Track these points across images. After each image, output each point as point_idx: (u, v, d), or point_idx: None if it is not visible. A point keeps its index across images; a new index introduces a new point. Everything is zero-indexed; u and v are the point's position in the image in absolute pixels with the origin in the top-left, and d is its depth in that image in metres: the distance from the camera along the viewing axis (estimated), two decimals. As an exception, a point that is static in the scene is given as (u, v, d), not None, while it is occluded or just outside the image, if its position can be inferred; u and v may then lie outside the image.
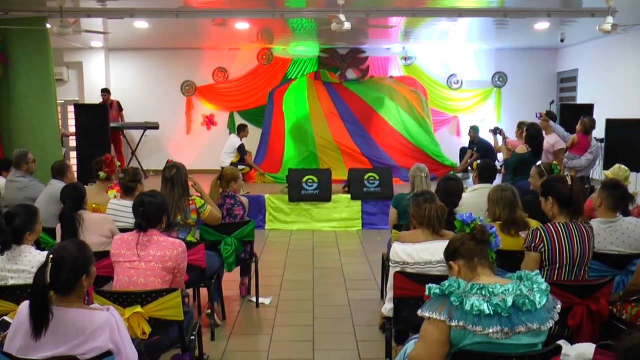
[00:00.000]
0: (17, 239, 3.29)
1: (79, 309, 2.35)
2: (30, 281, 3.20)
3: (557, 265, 3.38)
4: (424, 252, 3.46)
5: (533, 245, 3.41)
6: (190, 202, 4.59)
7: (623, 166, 4.98)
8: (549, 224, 3.46)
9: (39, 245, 4.49)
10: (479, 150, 10.57)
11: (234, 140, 10.41)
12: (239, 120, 12.01)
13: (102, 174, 5.25)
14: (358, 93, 11.43)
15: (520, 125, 7.99)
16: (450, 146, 11.74)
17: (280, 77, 12.25)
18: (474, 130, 10.82)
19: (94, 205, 4.92)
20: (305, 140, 11.03)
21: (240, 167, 10.25)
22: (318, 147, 10.94)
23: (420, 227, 3.58)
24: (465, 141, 11.63)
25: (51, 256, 2.32)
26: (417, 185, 5.02)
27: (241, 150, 10.33)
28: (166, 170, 4.64)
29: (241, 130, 10.56)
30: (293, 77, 12.14)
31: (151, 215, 3.49)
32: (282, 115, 11.33)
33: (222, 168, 10.09)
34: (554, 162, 5.22)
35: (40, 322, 2.25)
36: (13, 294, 3.15)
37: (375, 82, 11.79)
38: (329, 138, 11.02)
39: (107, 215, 4.48)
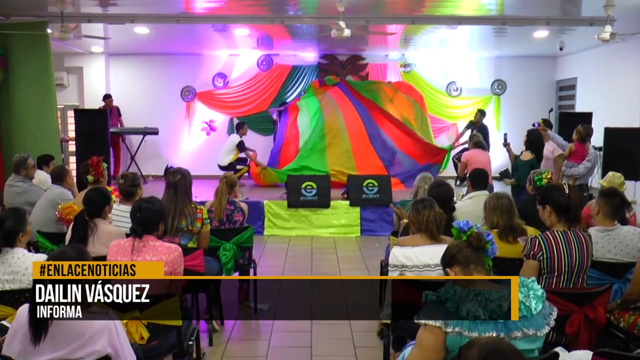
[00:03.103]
0: (10, 241, 3.32)
1: (78, 313, 2.35)
2: (25, 284, 3.22)
3: (556, 273, 3.39)
4: (422, 255, 3.48)
5: (532, 253, 3.43)
6: (198, 211, 4.55)
7: (617, 173, 5.02)
8: (547, 232, 3.47)
9: (38, 250, 4.50)
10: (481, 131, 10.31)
11: (234, 138, 10.35)
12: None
13: (89, 177, 5.22)
14: (360, 90, 11.27)
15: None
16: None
17: (280, 83, 12.27)
18: (481, 114, 10.62)
19: None
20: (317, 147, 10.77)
21: (238, 166, 10.22)
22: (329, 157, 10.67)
23: (419, 233, 3.60)
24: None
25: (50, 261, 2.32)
26: (419, 196, 5.05)
27: (240, 146, 10.23)
28: (170, 175, 4.60)
29: (239, 128, 10.51)
30: (294, 83, 12.15)
31: (148, 221, 3.50)
32: (296, 131, 11.04)
33: (219, 166, 10.11)
34: (539, 175, 5.24)
35: (39, 328, 2.25)
36: (11, 298, 3.15)
37: (374, 84, 11.69)
38: (346, 145, 10.76)
39: (123, 231, 4.28)
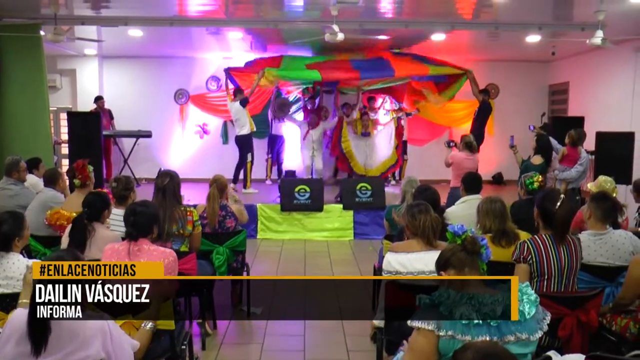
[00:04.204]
0: (5, 245, 3.28)
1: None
2: (18, 289, 3.19)
3: (546, 277, 3.42)
4: (417, 261, 3.48)
5: (521, 257, 3.47)
6: (188, 213, 4.52)
7: (608, 177, 5.04)
8: (536, 236, 3.52)
9: (30, 254, 4.47)
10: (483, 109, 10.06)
11: (236, 105, 9.79)
12: (232, 129, 11.93)
13: (76, 181, 5.17)
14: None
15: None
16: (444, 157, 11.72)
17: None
18: (485, 93, 10.13)
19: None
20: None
21: (248, 157, 9.94)
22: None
23: (414, 238, 3.60)
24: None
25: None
26: (407, 200, 5.05)
27: (243, 102, 9.72)
28: (158, 178, 4.57)
29: (237, 94, 9.97)
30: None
31: (142, 224, 3.49)
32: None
33: (237, 137, 9.82)
34: (530, 178, 5.28)
35: (39, 339, 2.24)
36: (2, 302, 3.13)
37: None
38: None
39: (119, 235, 4.21)
